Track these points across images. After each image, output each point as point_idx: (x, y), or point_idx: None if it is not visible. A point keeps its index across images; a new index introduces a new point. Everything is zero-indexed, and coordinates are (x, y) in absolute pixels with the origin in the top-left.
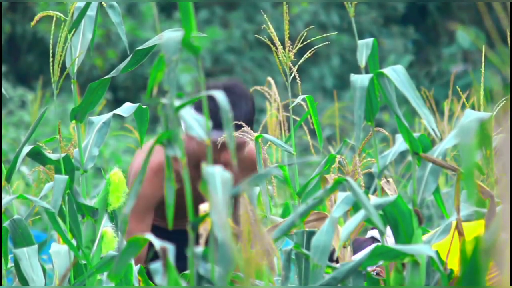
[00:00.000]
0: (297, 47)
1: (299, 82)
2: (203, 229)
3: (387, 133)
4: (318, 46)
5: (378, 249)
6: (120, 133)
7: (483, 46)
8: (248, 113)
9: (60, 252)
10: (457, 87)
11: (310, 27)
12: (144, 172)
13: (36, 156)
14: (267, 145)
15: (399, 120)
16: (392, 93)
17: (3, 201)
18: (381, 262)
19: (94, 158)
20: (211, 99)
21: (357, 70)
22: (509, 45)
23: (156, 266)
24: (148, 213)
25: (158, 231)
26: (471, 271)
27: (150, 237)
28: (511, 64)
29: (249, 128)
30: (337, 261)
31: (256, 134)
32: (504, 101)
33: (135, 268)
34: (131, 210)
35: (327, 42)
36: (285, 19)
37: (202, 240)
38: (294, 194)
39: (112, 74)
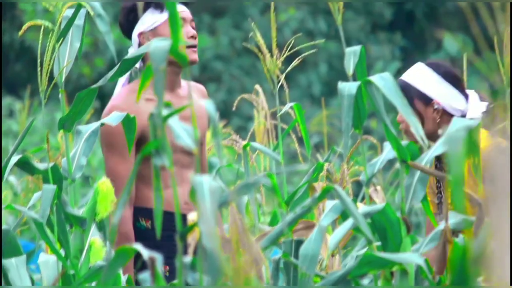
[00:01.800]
0: (285, 55)
1: (287, 89)
2: (191, 238)
3: (375, 141)
4: (306, 53)
5: (366, 258)
6: None
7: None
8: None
9: (48, 262)
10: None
11: (298, 34)
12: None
13: (24, 165)
14: (255, 153)
15: (387, 127)
16: (380, 101)
17: None
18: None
19: (82, 168)
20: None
21: (345, 77)
22: (509, 46)
23: (144, 275)
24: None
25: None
26: (460, 279)
27: (138, 247)
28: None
29: None
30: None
31: (244, 142)
32: (492, 107)
33: (123, 278)
34: (112, 150)
35: (314, 50)
36: (272, 27)
37: (190, 250)
38: (282, 202)
39: (100, 83)
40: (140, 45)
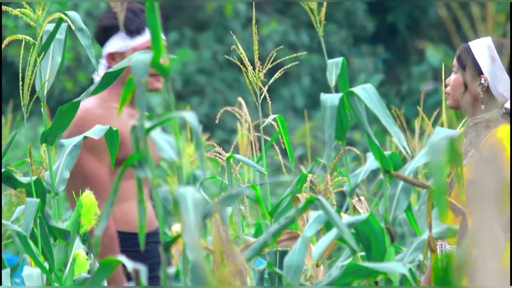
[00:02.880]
0: (267, 68)
1: (270, 102)
2: (175, 250)
3: (358, 152)
4: (288, 66)
5: (351, 268)
6: None
7: (452, 63)
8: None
9: (32, 275)
10: (427, 105)
11: (280, 47)
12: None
13: (7, 179)
14: (239, 165)
15: (370, 138)
16: (362, 112)
17: None
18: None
19: (65, 181)
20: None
21: (328, 90)
22: (510, 48)
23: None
24: (106, 151)
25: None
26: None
27: (123, 259)
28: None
29: None
30: None
31: (227, 155)
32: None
33: None
34: (91, 153)
35: (297, 62)
36: (254, 40)
37: (174, 261)
38: (267, 213)
39: (82, 97)
40: (108, 66)
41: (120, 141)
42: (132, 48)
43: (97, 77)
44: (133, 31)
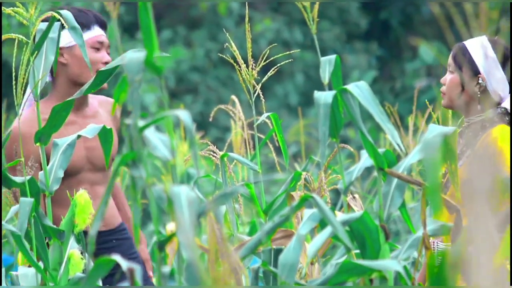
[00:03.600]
0: (260, 65)
1: (263, 100)
2: (170, 249)
3: (352, 149)
4: (282, 63)
5: (345, 265)
6: None
7: (446, 60)
8: None
9: (27, 274)
10: (422, 102)
11: (273, 44)
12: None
13: (1, 179)
14: (233, 163)
15: (364, 136)
16: (356, 109)
17: None
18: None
19: (59, 180)
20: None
21: (321, 87)
22: (510, 48)
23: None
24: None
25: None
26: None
27: (117, 257)
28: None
29: None
30: None
31: (221, 153)
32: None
33: None
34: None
35: (290, 60)
36: (247, 38)
37: (169, 260)
38: (261, 212)
39: (76, 95)
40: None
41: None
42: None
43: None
44: (82, 25)
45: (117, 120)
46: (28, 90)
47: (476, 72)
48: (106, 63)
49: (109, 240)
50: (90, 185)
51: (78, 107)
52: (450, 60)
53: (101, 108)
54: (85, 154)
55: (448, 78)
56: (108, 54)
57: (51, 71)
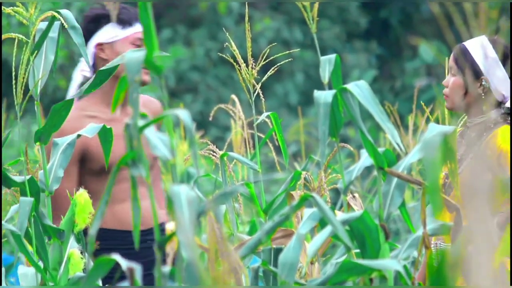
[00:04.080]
0: (260, 64)
1: (263, 99)
2: (170, 249)
3: (352, 149)
4: (281, 62)
5: (345, 265)
6: None
7: (445, 60)
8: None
9: (27, 274)
10: (421, 101)
11: (273, 44)
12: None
13: (1, 179)
14: (233, 163)
15: (364, 135)
16: (355, 108)
17: None
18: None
19: (59, 180)
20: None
21: (321, 86)
22: (510, 47)
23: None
24: (72, 168)
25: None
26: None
27: (117, 257)
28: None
29: None
30: None
31: (221, 152)
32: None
33: None
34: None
35: (290, 59)
36: (247, 37)
37: (169, 260)
38: (261, 211)
39: (76, 95)
40: (95, 56)
41: (95, 151)
42: (122, 39)
43: (79, 73)
44: (124, 22)
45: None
46: (75, 82)
47: (478, 74)
48: None
49: (144, 240)
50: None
51: (123, 105)
52: (451, 62)
53: (144, 108)
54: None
55: (451, 80)
56: None
57: (94, 67)
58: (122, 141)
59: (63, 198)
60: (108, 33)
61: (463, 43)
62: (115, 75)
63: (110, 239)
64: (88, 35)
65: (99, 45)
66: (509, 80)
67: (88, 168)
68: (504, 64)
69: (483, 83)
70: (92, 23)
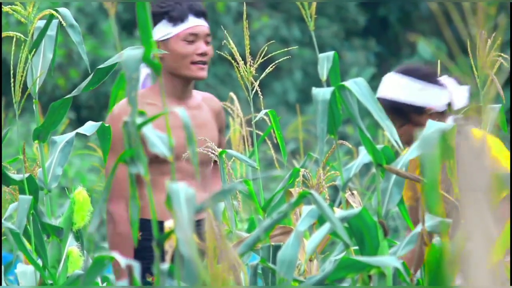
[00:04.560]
0: (258, 62)
1: (262, 96)
2: (168, 246)
3: (350, 146)
4: (280, 60)
5: (344, 262)
6: (84, 152)
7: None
8: None
9: (26, 272)
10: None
11: (271, 41)
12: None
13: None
14: (231, 160)
15: (362, 132)
16: (354, 106)
17: None
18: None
19: (58, 178)
20: None
21: (320, 84)
22: (510, 46)
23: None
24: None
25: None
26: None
27: (115, 254)
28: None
29: None
30: None
31: (220, 150)
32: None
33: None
34: (111, 152)
35: (288, 57)
36: (245, 35)
37: (168, 257)
38: (259, 208)
39: (74, 93)
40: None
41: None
42: (174, 36)
43: (144, 68)
44: (175, 18)
45: (221, 118)
46: (143, 72)
47: (420, 109)
48: (202, 54)
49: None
50: (183, 176)
51: (181, 97)
52: (391, 118)
53: (204, 103)
54: (186, 144)
55: (400, 129)
56: (207, 43)
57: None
58: (179, 131)
59: (123, 182)
60: (161, 31)
61: (383, 96)
62: (169, 71)
63: (151, 229)
64: None
65: (156, 43)
66: (439, 88)
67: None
68: (430, 81)
69: (429, 113)
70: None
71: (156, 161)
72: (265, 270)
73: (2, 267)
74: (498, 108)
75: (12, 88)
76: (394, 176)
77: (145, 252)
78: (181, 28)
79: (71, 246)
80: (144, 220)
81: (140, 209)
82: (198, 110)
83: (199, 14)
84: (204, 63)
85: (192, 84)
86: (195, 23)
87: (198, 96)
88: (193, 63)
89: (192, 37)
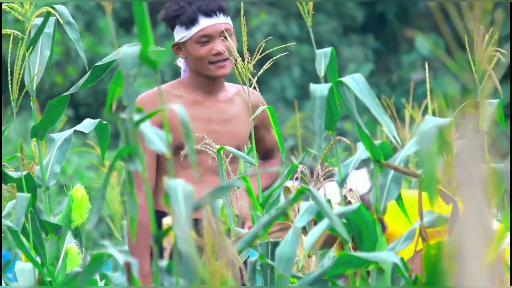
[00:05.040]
0: (256, 58)
1: (260, 93)
2: (167, 243)
3: (348, 142)
4: (278, 56)
5: (342, 258)
6: (82, 150)
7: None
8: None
9: (24, 270)
10: (418, 94)
11: (269, 38)
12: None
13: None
14: (230, 157)
15: (360, 128)
16: (352, 102)
17: None
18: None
19: (56, 175)
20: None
21: (318, 80)
22: (510, 46)
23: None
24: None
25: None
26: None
27: (113, 252)
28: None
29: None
30: None
31: (217, 146)
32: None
33: (101, 284)
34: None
35: (286, 53)
36: (243, 31)
37: (166, 254)
38: (258, 205)
39: (71, 90)
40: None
41: (173, 128)
42: (188, 39)
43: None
44: (185, 23)
45: (261, 112)
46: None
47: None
48: (217, 53)
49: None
50: (203, 170)
51: (210, 90)
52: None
53: (237, 97)
54: (208, 136)
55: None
56: (224, 39)
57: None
58: (203, 124)
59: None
60: (178, 34)
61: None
62: (193, 70)
63: None
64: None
65: (176, 45)
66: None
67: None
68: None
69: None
70: (166, 25)
71: (176, 153)
72: (263, 266)
73: (1, 265)
74: (496, 103)
75: (10, 86)
76: (392, 172)
77: None
78: (193, 31)
79: (70, 243)
80: (161, 213)
81: (157, 202)
82: (228, 104)
83: (209, 13)
84: (223, 60)
85: (221, 79)
86: (206, 24)
87: (232, 89)
88: (211, 63)
89: (205, 38)
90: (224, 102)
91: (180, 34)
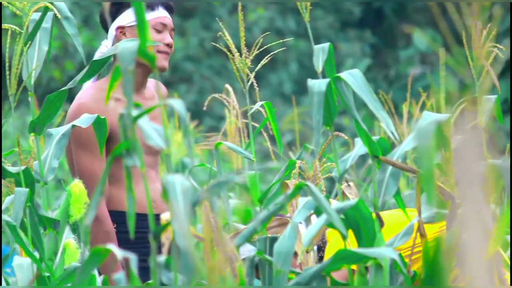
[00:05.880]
0: (254, 54)
1: (257, 88)
2: (165, 238)
3: (346, 137)
4: (275, 52)
5: (341, 253)
6: None
7: (439, 48)
8: None
9: (22, 265)
10: (416, 90)
11: (266, 33)
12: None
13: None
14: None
15: (358, 123)
16: (349, 97)
17: None
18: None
19: (54, 170)
20: None
21: (316, 75)
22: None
23: (120, 276)
24: (97, 145)
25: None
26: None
27: (112, 247)
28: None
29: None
30: None
31: (216, 142)
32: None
33: (99, 279)
34: (84, 149)
35: (284, 48)
36: (240, 26)
37: (164, 249)
38: (256, 200)
39: (69, 85)
40: (116, 39)
41: (116, 132)
42: None
43: (98, 55)
44: (147, 6)
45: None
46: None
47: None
48: (168, 45)
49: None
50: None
51: (139, 88)
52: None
53: (156, 92)
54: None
55: None
56: (172, 36)
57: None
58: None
59: (97, 179)
60: (129, 16)
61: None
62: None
63: (125, 222)
64: (110, 17)
65: (120, 28)
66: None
67: (108, 150)
68: None
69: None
70: (114, 6)
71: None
72: (262, 262)
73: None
74: (494, 99)
75: (8, 81)
76: (390, 168)
77: (121, 245)
78: (150, 16)
79: (68, 238)
80: (119, 213)
81: (112, 201)
82: (153, 101)
83: (168, 7)
84: (167, 54)
85: (153, 74)
86: (164, 14)
87: (151, 85)
88: (159, 52)
89: (160, 27)
90: (151, 99)
91: (133, 16)
